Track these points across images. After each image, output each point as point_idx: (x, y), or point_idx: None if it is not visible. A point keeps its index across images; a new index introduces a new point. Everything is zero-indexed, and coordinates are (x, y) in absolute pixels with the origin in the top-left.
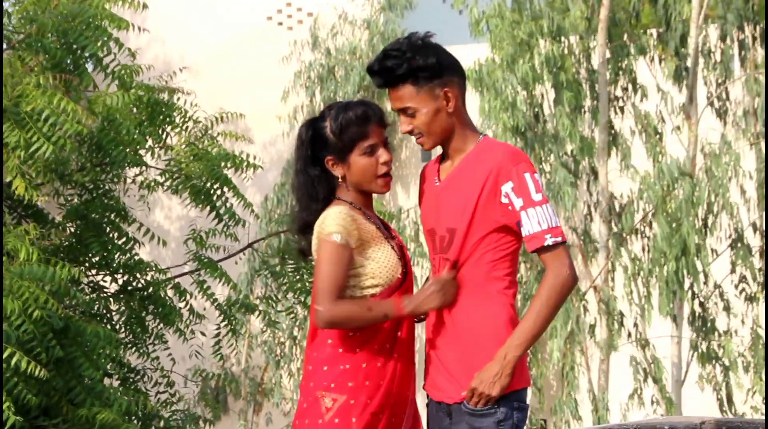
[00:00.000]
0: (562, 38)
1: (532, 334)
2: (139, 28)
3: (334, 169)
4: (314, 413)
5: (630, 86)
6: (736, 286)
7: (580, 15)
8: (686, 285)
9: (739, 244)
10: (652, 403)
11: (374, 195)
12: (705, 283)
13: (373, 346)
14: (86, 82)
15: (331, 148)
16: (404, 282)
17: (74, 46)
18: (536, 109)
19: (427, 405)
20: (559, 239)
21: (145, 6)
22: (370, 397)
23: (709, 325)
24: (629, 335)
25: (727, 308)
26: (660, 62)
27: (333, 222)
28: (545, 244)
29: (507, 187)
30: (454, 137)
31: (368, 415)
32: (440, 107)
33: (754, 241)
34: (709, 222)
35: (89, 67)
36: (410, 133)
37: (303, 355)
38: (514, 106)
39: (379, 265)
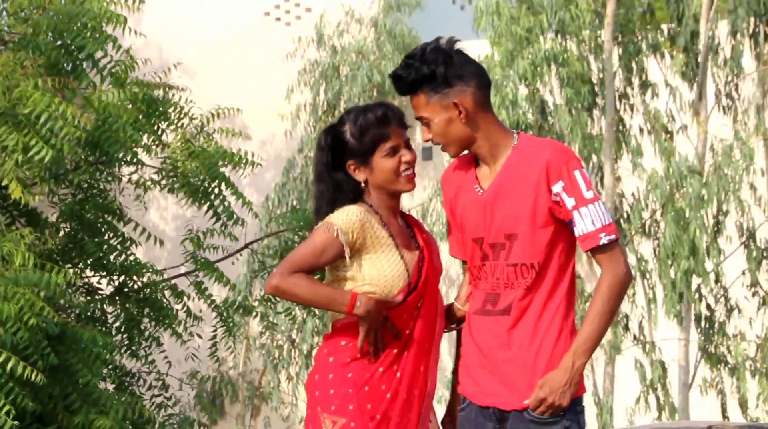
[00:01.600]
0: (566, 34)
1: (596, 338)
2: (135, 32)
3: (356, 174)
4: None
5: (638, 83)
6: (748, 288)
7: (586, 7)
8: (694, 286)
9: (751, 244)
10: (659, 407)
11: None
12: (716, 283)
13: (376, 368)
14: (83, 82)
15: (352, 152)
16: (410, 295)
17: (71, 47)
18: (539, 106)
19: (461, 409)
20: (614, 237)
21: (141, 1)
22: (372, 418)
23: (717, 327)
24: (634, 338)
25: (731, 310)
26: (671, 58)
27: (341, 215)
28: (600, 243)
29: (558, 187)
30: (481, 143)
31: None
32: (452, 117)
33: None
34: (719, 221)
35: (86, 66)
36: (431, 141)
37: (301, 358)
38: (515, 104)
39: (378, 272)
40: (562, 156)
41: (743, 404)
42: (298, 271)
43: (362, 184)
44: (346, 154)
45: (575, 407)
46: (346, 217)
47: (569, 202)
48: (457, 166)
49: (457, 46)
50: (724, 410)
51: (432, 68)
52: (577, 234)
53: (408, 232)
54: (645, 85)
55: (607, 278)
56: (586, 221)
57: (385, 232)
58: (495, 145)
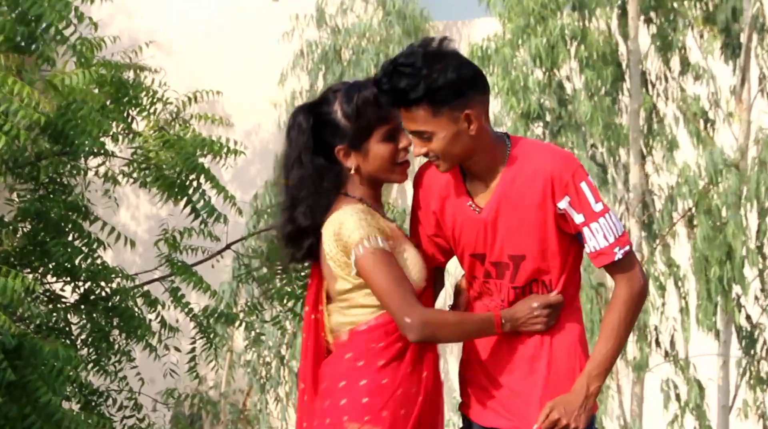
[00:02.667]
0: (585, 10)
1: (612, 358)
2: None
3: (346, 160)
4: None
5: (672, 66)
6: None
7: None
8: (733, 295)
9: None
10: None
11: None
12: (762, 291)
13: (405, 369)
14: (45, 56)
15: (343, 135)
16: (428, 287)
17: (28, 17)
18: (556, 92)
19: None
20: (628, 248)
21: None
22: (405, 425)
23: (758, 342)
24: (666, 354)
25: None
26: (702, 36)
27: (354, 227)
28: (615, 259)
29: (564, 203)
30: (479, 158)
31: None
32: (461, 130)
33: None
34: (761, 220)
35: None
36: (425, 155)
37: (291, 377)
38: (525, 89)
39: (409, 267)
40: (566, 168)
41: None
42: (417, 304)
43: (351, 172)
44: (336, 137)
45: (590, 428)
46: (359, 224)
47: (578, 218)
48: (435, 174)
49: (452, 46)
50: None
51: (443, 76)
52: (588, 250)
53: (396, 224)
54: (681, 68)
55: (623, 294)
56: (598, 237)
57: (393, 224)
58: (492, 158)
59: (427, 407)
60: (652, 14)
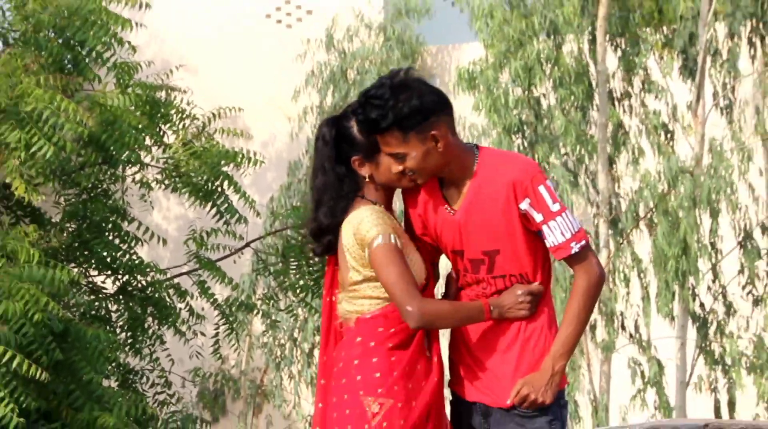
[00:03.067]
0: (558, 36)
1: (574, 340)
2: (137, 24)
3: (361, 169)
4: (359, 419)
5: (636, 84)
6: (743, 288)
7: (573, 11)
8: (688, 285)
9: (748, 245)
10: (655, 406)
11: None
12: (713, 282)
13: (413, 350)
14: (88, 77)
15: (358, 147)
16: (427, 285)
17: (72, 42)
18: (534, 108)
19: (452, 403)
20: (584, 243)
21: (148, 5)
22: (415, 398)
23: (711, 326)
24: (630, 336)
25: (728, 308)
26: (662, 59)
27: (372, 224)
28: (572, 252)
29: (525, 205)
30: (452, 168)
31: (415, 417)
32: (430, 149)
33: (763, 241)
34: (713, 220)
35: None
36: (402, 173)
37: (303, 357)
38: (506, 107)
39: (412, 265)
40: (525, 174)
41: (733, 403)
42: (419, 293)
43: (366, 179)
44: (353, 149)
45: (558, 401)
46: (376, 222)
47: (537, 217)
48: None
49: (416, 74)
50: (717, 408)
51: (408, 104)
52: (548, 245)
53: (401, 224)
54: (643, 86)
55: (581, 283)
56: (556, 234)
57: (400, 225)
58: (461, 165)
59: (435, 388)
60: (618, 39)
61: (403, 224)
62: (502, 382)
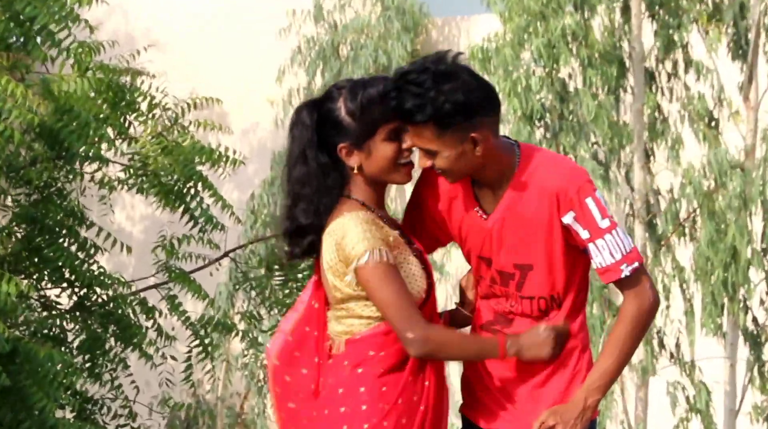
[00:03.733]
0: (586, 8)
1: (614, 373)
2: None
3: (349, 158)
4: None
5: (677, 64)
6: None
7: None
8: (738, 297)
9: None
10: None
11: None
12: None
13: (406, 378)
14: (37, 57)
15: (346, 133)
16: (428, 299)
17: (21, 18)
18: (558, 91)
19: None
20: (636, 265)
21: None
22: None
23: (766, 344)
24: (671, 357)
25: None
26: (707, 33)
27: (358, 239)
28: (622, 276)
29: (568, 219)
30: (488, 172)
31: None
32: (466, 151)
33: None
34: (767, 223)
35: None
36: (430, 167)
37: None
38: (527, 90)
39: (405, 274)
40: (571, 183)
41: None
42: (420, 319)
43: (354, 171)
44: (339, 134)
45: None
46: (363, 234)
47: (583, 234)
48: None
49: (465, 62)
50: None
51: (451, 99)
52: (595, 267)
53: (397, 225)
54: (685, 66)
55: (630, 309)
56: (604, 254)
57: (394, 231)
58: (500, 171)
59: (430, 416)
60: (657, 11)
61: (402, 218)
62: (525, 409)
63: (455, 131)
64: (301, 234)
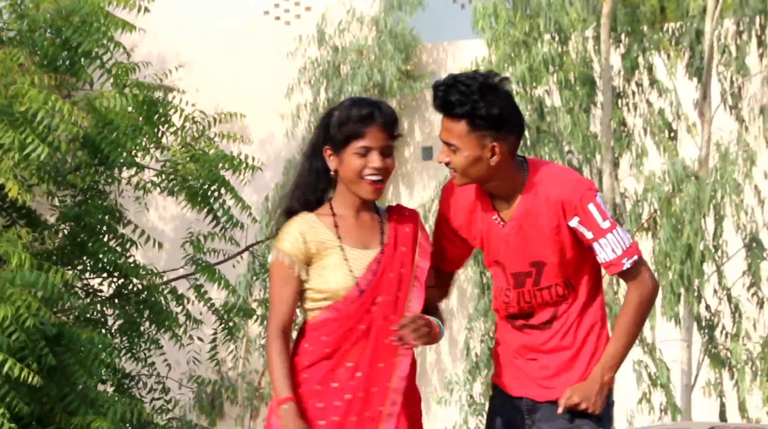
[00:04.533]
0: (563, 36)
1: (623, 353)
2: (135, 28)
3: (330, 160)
4: None
5: (641, 82)
6: (748, 290)
7: (577, 13)
8: (694, 288)
9: (754, 246)
10: (662, 409)
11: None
12: (719, 284)
13: (331, 367)
14: (83, 79)
15: (331, 138)
16: (362, 297)
17: (69, 44)
18: (537, 108)
19: (492, 398)
20: (636, 258)
21: (146, 10)
22: (323, 417)
23: (716, 328)
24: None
25: (734, 311)
26: (668, 56)
27: (280, 237)
28: (624, 268)
29: (574, 222)
30: (497, 184)
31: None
32: (483, 157)
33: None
34: (718, 225)
35: (84, 64)
36: (446, 164)
37: None
38: None
39: (321, 279)
40: (574, 192)
41: (739, 406)
42: (281, 326)
43: (332, 173)
44: (327, 138)
45: (607, 402)
46: (287, 237)
47: (588, 235)
48: (462, 191)
49: (509, 88)
50: (723, 412)
51: (488, 108)
52: (600, 261)
53: (379, 227)
54: (649, 85)
55: (633, 297)
56: (607, 251)
57: (333, 234)
58: (510, 185)
59: (354, 405)
60: (623, 37)
61: (432, 235)
62: (553, 380)
63: (481, 136)
64: (289, 214)
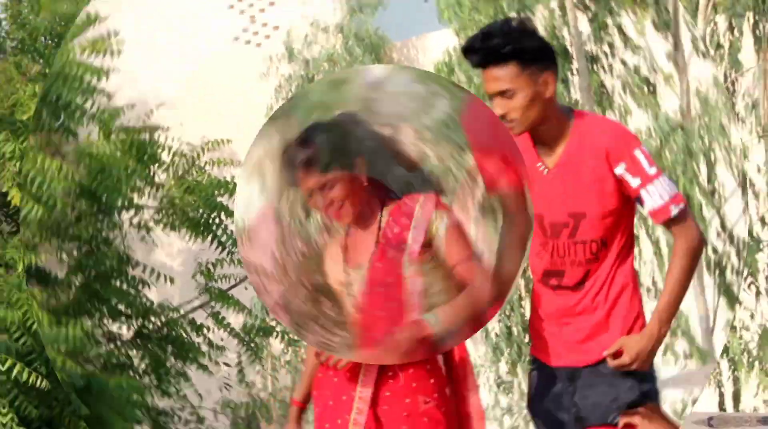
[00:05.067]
0: (528, 12)
1: (677, 304)
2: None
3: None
4: None
5: (609, 43)
6: (745, 279)
7: None
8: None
9: (747, 186)
10: (685, 356)
11: None
12: (721, 226)
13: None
14: (68, 133)
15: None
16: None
17: (50, 97)
18: None
19: (531, 372)
20: (682, 206)
21: (119, 52)
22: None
23: (727, 270)
24: (647, 291)
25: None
26: (635, 14)
27: None
28: (672, 215)
29: (620, 169)
30: (548, 125)
31: None
32: (539, 92)
33: (764, 233)
34: (712, 169)
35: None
36: (502, 117)
37: None
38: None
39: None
40: (620, 139)
41: (737, 396)
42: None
43: None
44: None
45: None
46: None
47: (634, 182)
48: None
49: (530, 23)
50: (721, 402)
51: (530, 41)
52: (647, 210)
53: (373, 239)
54: (620, 44)
55: (682, 246)
56: (654, 197)
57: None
58: (558, 126)
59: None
60: (587, 2)
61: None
62: (589, 342)
63: (532, 73)
64: None
